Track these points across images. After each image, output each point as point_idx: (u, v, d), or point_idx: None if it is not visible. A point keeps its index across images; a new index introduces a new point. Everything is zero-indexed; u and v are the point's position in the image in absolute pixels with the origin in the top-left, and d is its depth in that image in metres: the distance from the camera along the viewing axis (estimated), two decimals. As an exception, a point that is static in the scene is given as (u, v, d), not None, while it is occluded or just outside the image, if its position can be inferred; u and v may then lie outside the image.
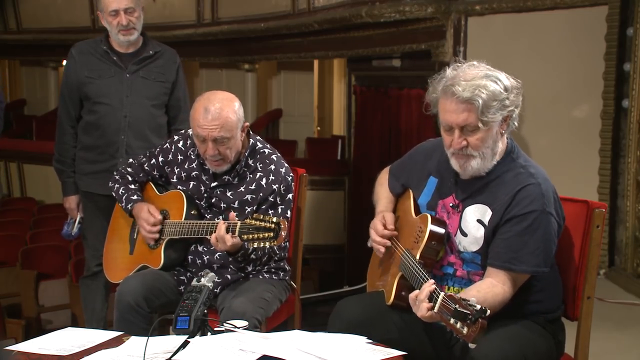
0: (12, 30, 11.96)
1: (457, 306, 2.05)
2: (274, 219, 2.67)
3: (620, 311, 4.30)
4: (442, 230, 2.46)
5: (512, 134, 2.50)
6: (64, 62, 3.92)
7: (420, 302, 2.19)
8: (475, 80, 2.34)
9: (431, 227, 2.45)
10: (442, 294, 2.12)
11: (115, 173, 3.33)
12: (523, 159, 2.47)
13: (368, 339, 2.40)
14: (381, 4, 6.22)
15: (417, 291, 2.25)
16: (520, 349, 2.30)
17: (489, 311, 2.03)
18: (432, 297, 2.17)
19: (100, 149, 3.75)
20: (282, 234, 2.66)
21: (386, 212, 2.71)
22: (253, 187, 3.03)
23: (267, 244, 2.68)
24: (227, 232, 2.79)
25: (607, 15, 5.01)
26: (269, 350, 2.19)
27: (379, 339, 2.41)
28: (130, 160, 3.35)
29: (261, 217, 2.70)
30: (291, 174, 3.11)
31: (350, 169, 8.25)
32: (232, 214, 2.84)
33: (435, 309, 2.12)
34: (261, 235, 2.67)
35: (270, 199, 3.03)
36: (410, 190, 2.68)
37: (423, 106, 2.49)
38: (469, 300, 2.06)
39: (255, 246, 2.72)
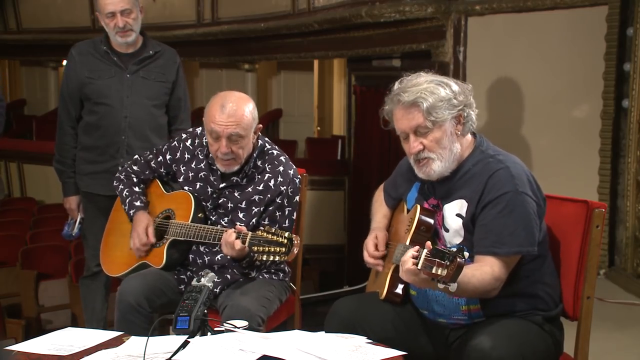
0: (12, 30, 11.96)
1: (436, 247, 2.11)
2: (286, 234, 2.64)
3: (620, 311, 4.29)
4: (430, 219, 2.52)
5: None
6: (64, 62, 3.92)
7: (404, 263, 2.20)
8: (419, 85, 2.45)
9: (420, 215, 2.52)
10: (424, 250, 2.14)
11: (120, 170, 3.31)
12: (492, 150, 2.53)
13: (368, 338, 2.40)
14: (381, 4, 6.22)
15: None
16: (518, 347, 2.31)
17: (467, 253, 2.12)
18: (417, 259, 2.18)
19: (100, 149, 3.75)
20: (295, 250, 2.63)
21: (379, 230, 2.76)
22: (261, 187, 3.03)
23: (278, 259, 2.65)
24: (237, 239, 2.77)
25: (607, 15, 5.00)
26: (269, 350, 2.19)
27: (376, 338, 2.42)
28: (136, 157, 3.31)
29: (273, 231, 2.67)
30: (299, 177, 3.11)
31: (350, 169, 8.25)
32: (242, 227, 2.81)
33: (419, 265, 2.12)
34: (272, 249, 2.64)
35: (278, 200, 3.02)
36: (403, 201, 2.73)
37: (381, 122, 2.56)
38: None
39: (264, 259, 2.68)
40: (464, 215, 2.46)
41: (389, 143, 7.01)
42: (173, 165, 3.18)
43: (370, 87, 7.67)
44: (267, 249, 2.64)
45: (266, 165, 3.05)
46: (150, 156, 3.24)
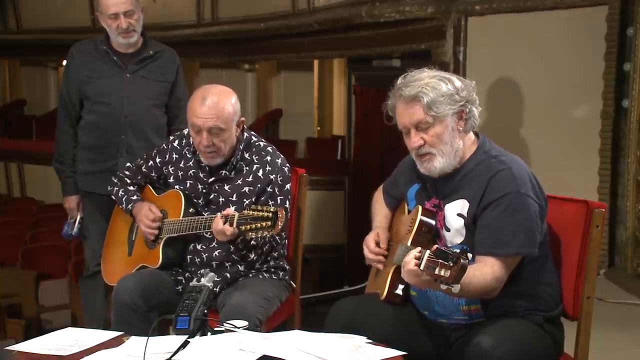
0: (12, 30, 11.96)
1: (439, 247, 2.12)
2: (272, 208, 2.69)
3: (620, 311, 4.29)
4: (432, 220, 2.52)
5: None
6: (64, 62, 3.93)
7: (407, 264, 2.21)
8: (421, 80, 2.45)
9: (421, 216, 2.52)
10: (427, 251, 2.14)
11: (113, 177, 3.35)
12: (495, 150, 2.53)
13: (368, 338, 2.40)
14: (381, 4, 6.21)
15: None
16: (518, 348, 2.31)
17: (470, 255, 2.12)
18: (419, 259, 2.18)
19: (100, 148, 3.76)
20: (279, 223, 2.68)
21: (380, 228, 2.76)
22: (250, 178, 3.05)
23: (266, 233, 2.70)
24: (225, 223, 2.80)
25: (607, 15, 5.00)
26: (269, 350, 2.19)
27: (376, 338, 2.42)
28: (128, 164, 3.37)
29: (258, 208, 2.72)
30: (287, 165, 3.13)
31: (350, 169, 8.25)
32: (229, 209, 2.86)
33: (422, 266, 2.12)
34: (259, 225, 2.69)
35: (269, 189, 3.04)
36: (404, 202, 2.74)
37: (384, 118, 2.56)
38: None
39: (253, 236, 2.75)
40: (465, 215, 2.46)
41: (388, 143, 7.01)
42: (163, 168, 3.21)
43: (370, 87, 7.66)
44: (254, 225, 2.70)
45: (253, 156, 3.08)
46: (141, 162, 3.29)
